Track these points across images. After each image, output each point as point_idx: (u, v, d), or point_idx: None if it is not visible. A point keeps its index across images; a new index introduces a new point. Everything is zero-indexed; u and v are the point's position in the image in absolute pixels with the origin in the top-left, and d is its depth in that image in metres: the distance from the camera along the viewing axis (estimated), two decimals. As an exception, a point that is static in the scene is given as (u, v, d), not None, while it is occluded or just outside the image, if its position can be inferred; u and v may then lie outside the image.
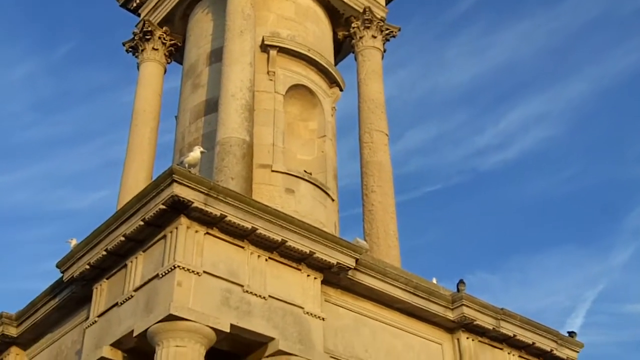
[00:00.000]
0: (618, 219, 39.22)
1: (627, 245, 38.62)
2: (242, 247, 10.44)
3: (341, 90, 15.76)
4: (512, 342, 12.98)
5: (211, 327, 9.62)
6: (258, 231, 10.39)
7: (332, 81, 15.39)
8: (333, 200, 14.33)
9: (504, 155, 39.14)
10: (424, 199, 38.86)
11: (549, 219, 39.51)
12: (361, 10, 16.33)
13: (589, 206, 39.13)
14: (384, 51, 16.65)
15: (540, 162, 39.16)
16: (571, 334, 13.68)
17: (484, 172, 39.11)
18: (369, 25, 16.32)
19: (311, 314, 10.75)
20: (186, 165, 10.70)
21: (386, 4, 17.13)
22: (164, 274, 9.79)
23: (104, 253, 10.70)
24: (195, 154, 11.08)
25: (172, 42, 16.83)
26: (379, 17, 16.53)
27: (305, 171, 13.88)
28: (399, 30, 16.97)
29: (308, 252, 10.77)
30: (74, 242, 11.40)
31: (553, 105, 38.93)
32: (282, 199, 13.28)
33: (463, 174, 39.32)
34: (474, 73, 40.20)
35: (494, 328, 12.60)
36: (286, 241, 10.60)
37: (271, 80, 14.38)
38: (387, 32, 16.66)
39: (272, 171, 13.56)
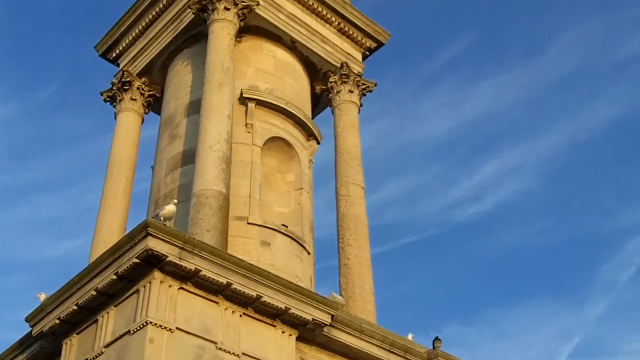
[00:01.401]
0: (591, 272, 39.50)
1: (600, 299, 38.84)
2: (217, 303, 10.32)
3: (318, 143, 15.85)
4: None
5: (183, 386, 9.45)
6: (233, 286, 10.29)
7: (309, 134, 15.48)
8: (309, 253, 14.27)
9: (479, 207, 39.44)
10: (400, 251, 38.96)
11: (523, 271, 39.67)
12: (338, 66, 16.54)
13: (563, 259, 39.41)
14: (361, 105, 16.84)
15: (515, 214, 39.50)
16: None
17: (459, 224, 39.31)
18: (346, 80, 16.52)
19: (285, 372, 10.60)
20: (161, 218, 10.64)
21: (363, 60, 17.38)
22: (135, 330, 9.63)
23: (75, 307, 10.53)
24: (171, 207, 11.04)
25: (151, 92, 16.86)
26: (355, 72, 16.75)
27: (282, 225, 13.84)
28: (375, 85, 17.19)
29: (283, 307, 10.67)
30: (42, 296, 11.22)
31: (527, 158, 39.43)
32: (258, 252, 13.20)
33: (439, 225, 39.53)
34: (449, 126, 40.69)
35: (469, 386, 12.50)
36: (261, 296, 10.51)
37: (249, 132, 14.42)
38: (363, 87, 16.86)
39: (248, 223, 13.48)
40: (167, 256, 9.79)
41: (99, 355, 10.09)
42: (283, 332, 10.86)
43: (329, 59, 16.53)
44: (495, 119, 40.26)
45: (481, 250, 39.35)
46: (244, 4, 14.86)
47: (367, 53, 17.52)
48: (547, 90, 39.75)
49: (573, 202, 39.23)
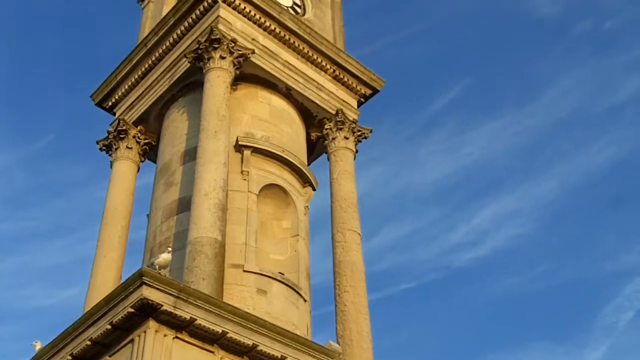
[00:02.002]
0: (591, 315, 39.24)
1: (600, 343, 38.51)
2: (212, 352, 10.22)
3: (314, 189, 15.88)
4: None
5: None
6: (228, 335, 10.20)
7: (305, 181, 15.52)
8: (305, 300, 14.17)
9: (477, 252, 39.39)
10: (399, 297, 38.70)
11: (523, 316, 39.40)
12: (334, 113, 16.65)
13: (562, 303, 39.15)
14: (356, 152, 16.89)
15: (513, 259, 39.45)
16: None
17: (457, 269, 39.21)
18: (341, 127, 16.61)
19: (282, 422, 10.44)
20: (156, 267, 10.59)
21: (358, 106, 17.51)
22: (130, 380, 9.51)
23: (69, 357, 10.41)
24: (166, 255, 11.00)
25: (147, 140, 16.93)
26: (351, 119, 16.86)
27: (279, 272, 13.77)
28: (371, 131, 17.28)
29: (280, 356, 10.56)
30: (38, 345, 11.11)
31: (524, 202, 39.53)
32: (254, 300, 13.10)
33: (437, 271, 39.41)
34: (446, 171, 40.91)
35: None
36: (257, 345, 10.41)
37: (245, 179, 14.45)
38: (359, 133, 16.95)
39: (244, 271, 13.41)
40: (162, 305, 9.72)
41: (93, 406, 9.95)
42: (279, 381, 10.71)
43: (324, 106, 16.65)
44: (492, 164, 40.52)
45: (480, 295, 39.15)
46: (240, 52, 15.04)
47: (363, 100, 17.65)
48: (543, 135, 40.09)
49: (571, 246, 39.23)
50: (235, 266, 13.32)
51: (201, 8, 15.55)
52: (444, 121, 41.86)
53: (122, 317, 9.81)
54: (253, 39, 15.65)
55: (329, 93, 16.81)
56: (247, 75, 15.62)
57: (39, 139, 42.96)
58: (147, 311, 9.74)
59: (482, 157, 40.66)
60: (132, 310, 9.71)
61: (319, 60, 16.78)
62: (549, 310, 39.09)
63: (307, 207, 15.61)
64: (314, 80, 16.62)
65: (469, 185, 40.47)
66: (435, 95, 43.37)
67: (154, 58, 16.52)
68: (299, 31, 16.36)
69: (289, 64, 16.20)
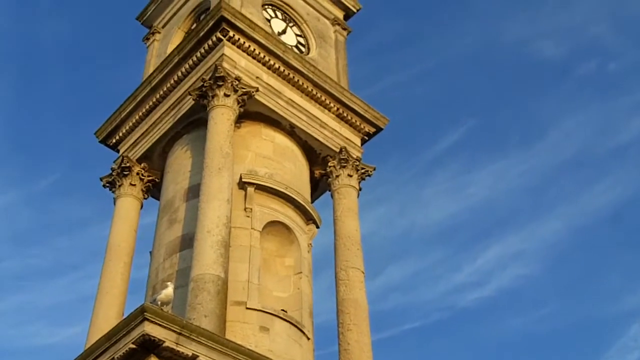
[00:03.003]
0: (596, 357, 38.78)
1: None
2: (214, 390, 10.07)
3: (318, 227, 15.83)
4: None
5: None
6: (231, 372, 10.07)
7: (308, 218, 15.48)
8: (309, 338, 14.03)
9: (482, 292, 39.17)
10: (403, 337, 38.35)
11: (528, 356, 38.96)
12: (337, 150, 16.68)
13: (568, 344, 38.77)
14: (360, 189, 16.86)
15: (518, 299, 39.22)
16: None
17: (462, 309, 38.93)
18: (345, 164, 16.62)
19: None
20: (159, 303, 10.51)
21: (362, 144, 17.54)
22: (130, 418, 9.36)
23: (69, 395, 10.26)
24: (168, 291, 10.92)
25: (150, 178, 16.95)
26: (354, 157, 16.87)
27: (282, 310, 13.66)
28: (374, 169, 17.29)
29: (282, 394, 10.41)
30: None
31: (529, 243, 39.45)
32: (257, 337, 12.97)
33: (442, 311, 39.14)
34: (450, 211, 40.88)
35: None
36: (260, 383, 10.27)
37: (248, 216, 14.42)
38: (362, 171, 16.95)
39: (247, 308, 13.31)
40: (164, 341, 9.63)
41: None
42: (282, 420, 10.56)
43: (327, 144, 16.68)
44: (496, 205, 40.51)
45: (485, 336, 38.79)
46: (244, 90, 15.13)
47: (366, 138, 17.69)
48: (548, 176, 40.16)
49: (576, 287, 39.00)
50: (237, 303, 13.22)
51: (206, 46, 15.69)
52: (449, 161, 42.05)
53: (123, 353, 9.72)
54: (257, 77, 15.75)
55: (332, 131, 16.86)
56: (251, 112, 15.69)
57: (44, 177, 43.19)
58: (149, 347, 9.65)
59: (486, 197, 40.72)
60: (134, 346, 9.62)
61: (323, 98, 16.86)
62: (555, 350, 38.68)
63: (311, 244, 15.55)
64: (318, 118, 16.67)
65: (474, 225, 40.47)
66: (439, 135, 43.60)
67: (158, 96, 16.62)
68: (303, 70, 16.47)
69: (293, 101, 16.28)
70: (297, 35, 18.29)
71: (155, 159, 16.80)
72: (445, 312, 39.17)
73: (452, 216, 40.58)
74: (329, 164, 16.69)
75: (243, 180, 14.67)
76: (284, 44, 16.54)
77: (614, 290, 38.67)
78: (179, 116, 15.95)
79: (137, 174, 16.79)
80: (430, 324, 38.95)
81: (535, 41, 42.24)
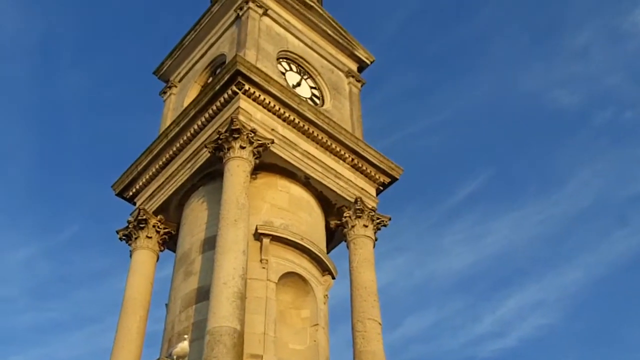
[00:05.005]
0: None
1: None
2: None
3: (333, 278, 15.74)
4: None
5: None
6: None
7: (324, 269, 15.41)
8: (326, 392, 13.83)
9: (503, 343, 38.62)
10: (423, 388, 37.62)
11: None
12: (352, 201, 16.68)
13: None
14: (376, 239, 16.80)
15: (539, 349, 38.56)
16: None
17: (483, 360, 38.27)
18: (360, 214, 16.60)
19: None
20: (174, 357, 10.46)
21: (377, 194, 17.54)
22: None
23: None
24: (184, 345, 10.90)
25: (166, 230, 17.00)
26: (369, 207, 16.86)
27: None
28: (390, 219, 17.24)
29: None
30: None
31: (549, 293, 39.00)
32: (273, 390, 12.80)
33: (462, 362, 38.41)
34: (470, 261, 40.61)
35: None
36: None
37: (264, 268, 14.37)
38: (378, 221, 16.91)
39: (263, 361, 13.18)
40: (179, 396, 9.53)
41: None
42: None
43: (343, 194, 16.69)
44: (515, 254, 40.21)
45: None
46: (259, 142, 15.23)
47: (381, 188, 17.71)
48: (566, 225, 39.88)
49: (597, 336, 38.32)
50: (254, 356, 13.10)
51: (222, 100, 15.88)
52: (466, 211, 41.91)
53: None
54: (272, 129, 15.88)
55: (347, 181, 16.89)
56: (267, 164, 15.78)
57: (63, 230, 43.40)
58: (164, 402, 9.55)
59: (505, 246, 40.48)
60: (150, 401, 9.52)
61: (338, 149, 16.94)
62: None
63: (327, 295, 15.45)
64: (333, 169, 16.72)
65: (493, 275, 40.08)
66: (456, 184, 43.58)
67: (174, 148, 16.77)
68: (317, 121, 16.59)
69: (308, 153, 16.36)
70: (311, 87, 18.49)
71: (172, 211, 16.86)
72: (467, 363, 38.56)
73: (471, 266, 40.34)
74: (345, 214, 16.68)
75: (259, 231, 14.67)
76: (298, 96, 16.70)
77: (635, 339, 38.00)
78: (195, 168, 16.06)
79: (154, 226, 16.86)
80: (450, 375, 38.30)
81: (551, 90, 42.44)
